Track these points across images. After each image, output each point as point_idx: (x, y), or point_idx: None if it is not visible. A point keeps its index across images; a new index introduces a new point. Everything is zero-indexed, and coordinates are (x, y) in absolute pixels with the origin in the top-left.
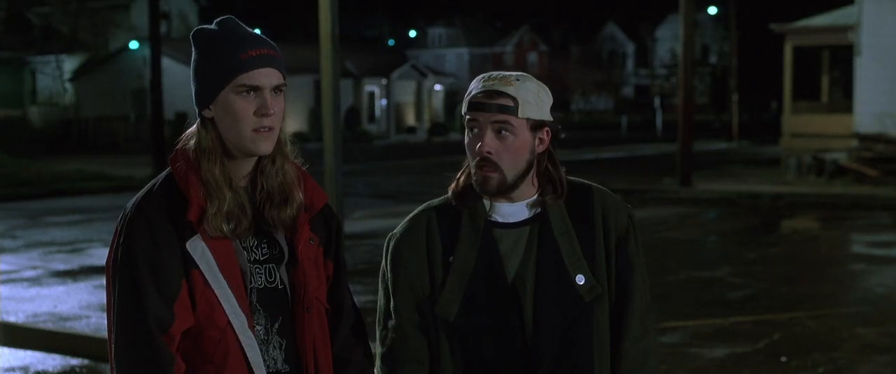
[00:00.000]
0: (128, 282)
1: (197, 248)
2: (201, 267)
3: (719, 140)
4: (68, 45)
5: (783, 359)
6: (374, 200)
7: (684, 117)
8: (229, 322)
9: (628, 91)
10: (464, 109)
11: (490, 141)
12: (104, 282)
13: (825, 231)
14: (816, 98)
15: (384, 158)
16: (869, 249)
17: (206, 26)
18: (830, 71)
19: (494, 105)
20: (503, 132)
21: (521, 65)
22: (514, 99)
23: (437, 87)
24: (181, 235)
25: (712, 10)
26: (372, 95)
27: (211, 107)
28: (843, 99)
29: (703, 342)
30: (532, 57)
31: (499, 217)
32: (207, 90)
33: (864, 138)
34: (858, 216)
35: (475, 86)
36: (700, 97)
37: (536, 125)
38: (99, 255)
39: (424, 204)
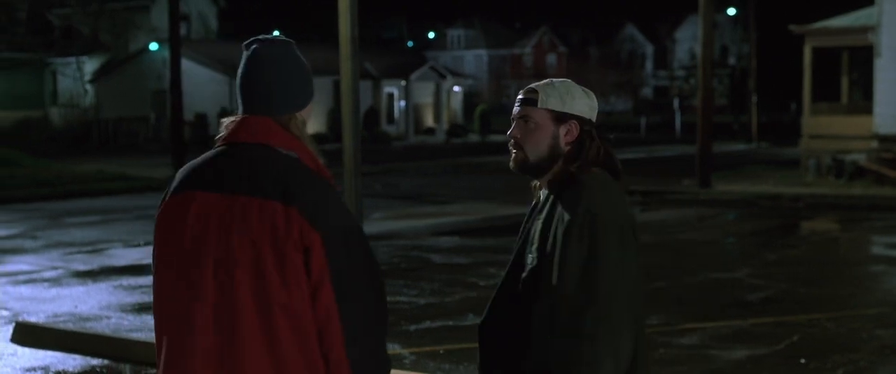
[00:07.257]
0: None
1: None
2: None
3: (738, 141)
4: (89, 46)
5: (802, 361)
6: (393, 201)
7: (703, 119)
8: None
9: (647, 92)
10: None
11: (515, 129)
12: (124, 282)
13: (845, 233)
14: (836, 99)
15: (403, 159)
16: (888, 250)
17: None
18: (850, 72)
19: (520, 99)
20: (526, 121)
21: (539, 66)
22: (536, 92)
23: (456, 88)
24: None
25: (731, 11)
26: (391, 96)
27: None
28: (863, 100)
29: (722, 344)
30: (551, 58)
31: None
32: None
33: (884, 140)
34: (878, 218)
35: None
36: (719, 98)
37: (559, 117)
38: (119, 255)
39: None
